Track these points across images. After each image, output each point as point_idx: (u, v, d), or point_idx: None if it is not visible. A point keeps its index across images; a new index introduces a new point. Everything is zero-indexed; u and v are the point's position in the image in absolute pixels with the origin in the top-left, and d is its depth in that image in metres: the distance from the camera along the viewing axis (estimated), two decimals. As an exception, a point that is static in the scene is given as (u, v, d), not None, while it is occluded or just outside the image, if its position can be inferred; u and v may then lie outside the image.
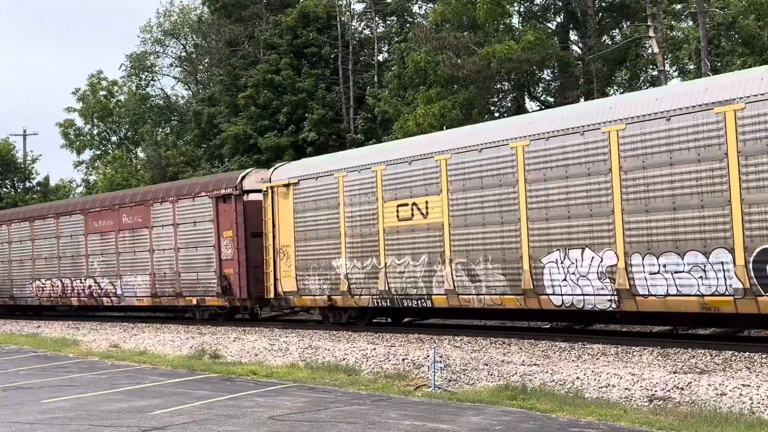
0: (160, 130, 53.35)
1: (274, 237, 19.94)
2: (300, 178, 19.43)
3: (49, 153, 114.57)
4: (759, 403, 9.48)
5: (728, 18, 25.79)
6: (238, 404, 10.89)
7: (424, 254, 16.53)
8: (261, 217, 20.49)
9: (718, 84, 12.78)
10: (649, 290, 13.15)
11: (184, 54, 53.17)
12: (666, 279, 12.92)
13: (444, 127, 25.58)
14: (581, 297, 14.06)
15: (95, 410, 10.71)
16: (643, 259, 13.18)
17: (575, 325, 17.32)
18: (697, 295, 12.59)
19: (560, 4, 33.07)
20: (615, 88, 32.62)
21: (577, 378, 11.42)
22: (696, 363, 12.04)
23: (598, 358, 13.03)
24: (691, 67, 28.74)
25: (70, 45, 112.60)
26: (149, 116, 53.81)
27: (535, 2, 33.48)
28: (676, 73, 30.70)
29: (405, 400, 11.11)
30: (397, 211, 17.08)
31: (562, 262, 14.24)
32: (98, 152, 57.66)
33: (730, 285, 12.21)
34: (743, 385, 9.98)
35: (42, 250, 28.14)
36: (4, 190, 56.64)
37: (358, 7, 46.01)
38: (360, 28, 40.79)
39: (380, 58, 38.39)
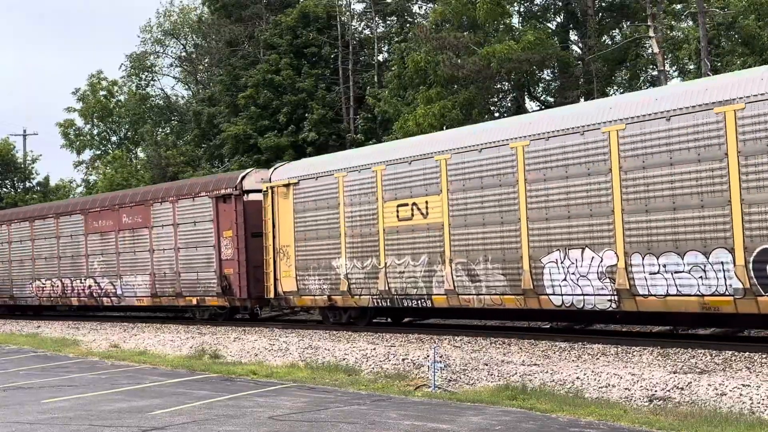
0: (160, 130, 53.35)
1: (274, 237, 19.94)
2: (300, 178, 19.43)
3: (49, 153, 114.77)
4: (759, 403, 9.48)
5: (728, 18, 25.79)
6: (238, 404, 10.89)
7: (424, 254, 16.52)
8: (261, 217, 20.49)
9: (718, 84, 12.78)
10: (649, 290, 13.14)
11: (184, 54, 53.20)
12: (666, 279, 12.91)
13: (444, 127, 25.59)
14: (581, 297, 14.05)
15: (95, 410, 10.71)
16: (643, 259, 13.17)
17: (575, 325, 17.32)
18: (697, 295, 12.58)
19: (560, 4, 33.08)
20: (615, 88, 32.62)
21: (577, 378, 11.42)
22: (696, 363, 12.04)
23: (598, 358, 13.03)
24: (691, 67, 28.74)
25: (70, 45, 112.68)
26: (149, 116, 53.81)
27: (535, 2, 33.50)
28: (676, 73, 30.74)
29: (405, 400, 11.11)
30: (397, 211, 17.07)
31: (562, 262, 14.23)
32: (98, 152, 57.69)
33: (730, 285, 12.21)
34: (743, 385, 9.98)
35: (42, 250, 28.13)
36: (4, 190, 56.65)
37: (358, 7, 46.08)
38: (360, 28, 40.83)
39: (380, 58, 38.40)
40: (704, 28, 24.16)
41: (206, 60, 48.11)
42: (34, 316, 29.99)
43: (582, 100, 28.27)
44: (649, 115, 13.14)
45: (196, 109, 42.48)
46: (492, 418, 9.53)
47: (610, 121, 13.63)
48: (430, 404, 10.68)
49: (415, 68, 29.33)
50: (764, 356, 11.99)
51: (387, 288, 17.24)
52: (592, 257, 13.82)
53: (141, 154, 54.56)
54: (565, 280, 14.22)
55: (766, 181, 11.89)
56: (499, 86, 31.00)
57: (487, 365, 12.80)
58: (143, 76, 54.94)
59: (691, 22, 29.25)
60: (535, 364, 12.53)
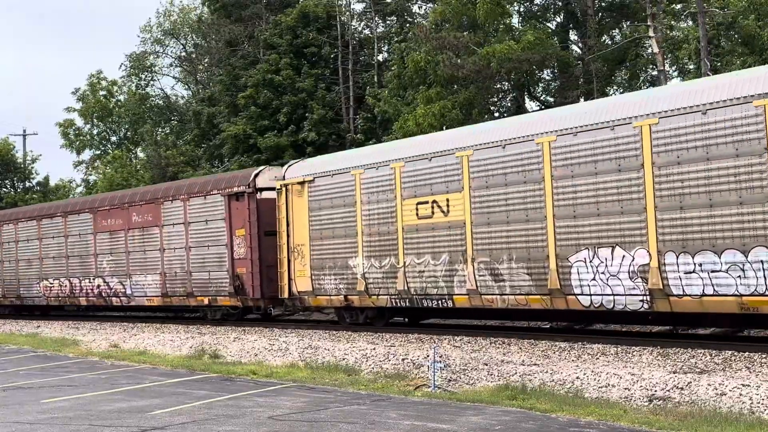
0: (160, 130, 53.34)
1: (288, 236, 19.64)
2: (315, 176, 19.11)
3: (49, 153, 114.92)
4: (759, 403, 9.48)
5: (728, 18, 25.78)
6: (237, 404, 10.89)
7: (444, 253, 16.21)
8: (274, 215, 20.14)
9: (758, 75, 12.35)
10: (683, 290, 12.73)
11: (183, 54, 53.18)
12: (702, 278, 12.51)
13: (444, 127, 25.57)
14: (611, 297, 13.67)
15: (95, 410, 10.71)
16: (677, 257, 12.77)
17: (575, 325, 17.31)
18: (735, 296, 12.14)
19: (560, 4, 33.07)
20: (615, 88, 32.62)
21: (577, 378, 11.42)
22: (696, 363, 12.04)
23: (597, 358, 13.03)
24: (691, 67, 28.73)
25: (70, 45, 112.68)
26: (149, 116, 53.79)
27: (535, 2, 33.48)
28: (675, 73, 30.70)
29: (405, 400, 11.11)
30: (417, 209, 16.77)
31: (590, 261, 13.86)
32: (98, 152, 57.68)
33: None
34: (743, 385, 9.98)
35: (50, 249, 27.89)
36: (4, 190, 56.66)
37: (358, 7, 46.03)
38: (360, 28, 40.81)
39: (380, 58, 38.38)
40: (704, 28, 24.14)
41: (206, 60, 48.09)
42: (37, 316, 29.79)
43: (582, 99, 28.26)
44: (684, 108, 12.76)
45: (196, 109, 42.47)
46: (492, 418, 9.53)
47: (642, 116, 13.26)
48: (430, 404, 10.67)
49: (415, 68, 29.30)
50: (764, 356, 11.98)
51: (406, 288, 16.94)
52: (623, 256, 13.46)
53: (141, 154, 54.56)
54: (594, 279, 13.86)
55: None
56: (499, 86, 30.97)
57: (486, 365, 12.79)
58: (143, 76, 54.93)
59: (690, 22, 29.25)
60: (534, 364, 12.53)
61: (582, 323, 17.19)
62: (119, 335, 21.34)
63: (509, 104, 32.10)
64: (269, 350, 16.46)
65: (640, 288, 13.26)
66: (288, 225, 19.66)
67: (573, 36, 33.51)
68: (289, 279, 19.63)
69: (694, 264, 12.59)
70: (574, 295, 14.14)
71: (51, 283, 27.85)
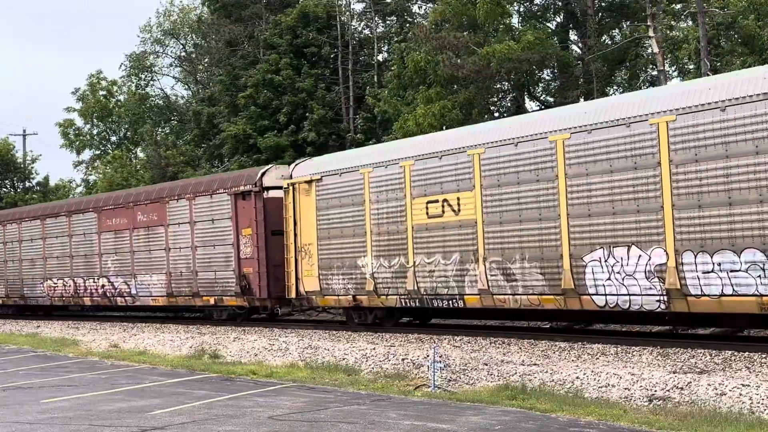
0: (160, 130, 53.35)
1: (295, 235, 19.50)
2: (323, 174, 18.96)
3: (48, 153, 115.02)
4: (759, 403, 9.48)
5: (728, 18, 25.78)
6: (237, 404, 10.88)
7: (455, 252, 16.03)
8: (281, 214, 20.01)
9: None
10: (702, 290, 12.50)
11: (183, 54, 53.19)
12: (721, 278, 12.27)
13: (444, 127, 25.58)
14: (627, 297, 13.46)
15: (95, 410, 10.71)
16: (695, 257, 12.54)
17: (575, 325, 17.31)
18: (756, 296, 11.89)
19: (560, 4, 33.08)
20: (615, 88, 32.63)
21: (577, 378, 11.42)
22: (696, 363, 12.04)
23: (597, 358, 13.03)
24: (691, 67, 28.73)
25: (70, 45, 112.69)
26: (149, 116, 53.79)
27: (535, 2, 33.49)
28: (675, 73, 30.71)
29: (405, 400, 11.11)
30: (427, 208, 16.59)
31: (606, 261, 13.66)
32: (98, 152, 57.69)
33: None
34: (743, 385, 9.98)
35: (54, 249, 27.75)
36: (4, 190, 56.66)
37: (358, 7, 46.06)
38: (360, 28, 40.81)
39: (380, 58, 38.38)
40: (704, 28, 24.14)
41: (206, 60, 48.08)
42: (40, 317, 29.71)
43: (582, 100, 28.26)
44: (703, 105, 12.53)
45: (196, 109, 42.46)
46: (492, 418, 9.53)
47: (659, 112, 13.08)
48: (430, 404, 10.68)
49: (415, 68, 29.30)
50: (764, 356, 11.97)
51: (416, 287, 16.77)
52: (639, 255, 13.25)
53: (141, 154, 54.56)
54: (609, 279, 13.65)
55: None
56: (498, 86, 30.97)
57: (486, 365, 12.79)
58: (143, 76, 54.94)
59: (690, 22, 29.25)
60: (534, 364, 12.53)
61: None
62: (119, 335, 21.34)
63: (509, 104, 32.11)
64: (269, 350, 16.46)
65: (657, 288, 13.05)
66: (295, 224, 19.50)
67: (573, 36, 33.55)
68: (297, 279, 19.50)
69: (713, 263, 12.37)
70: (589, 295, 13.95)
71: (55, 283, 27.73)
